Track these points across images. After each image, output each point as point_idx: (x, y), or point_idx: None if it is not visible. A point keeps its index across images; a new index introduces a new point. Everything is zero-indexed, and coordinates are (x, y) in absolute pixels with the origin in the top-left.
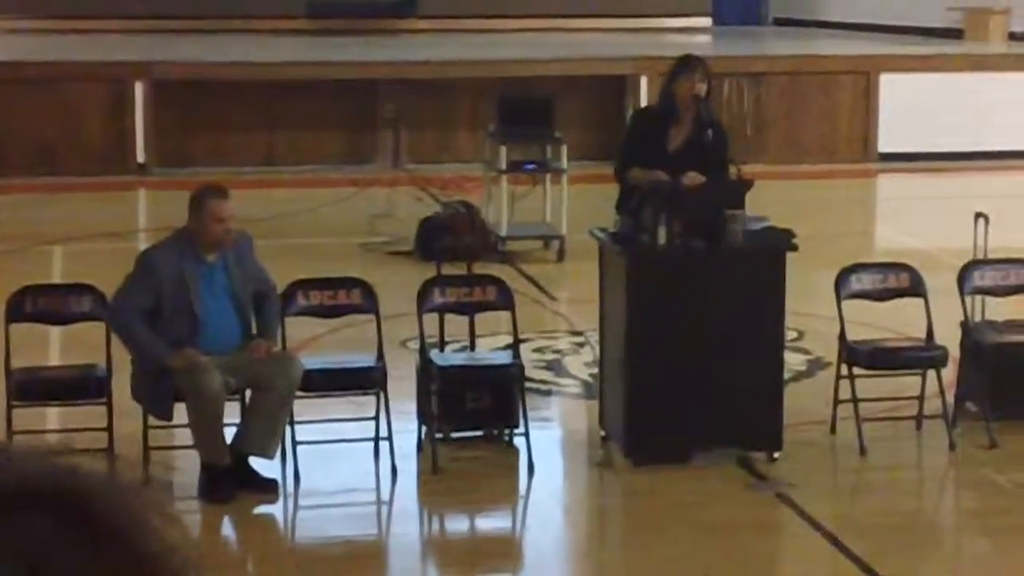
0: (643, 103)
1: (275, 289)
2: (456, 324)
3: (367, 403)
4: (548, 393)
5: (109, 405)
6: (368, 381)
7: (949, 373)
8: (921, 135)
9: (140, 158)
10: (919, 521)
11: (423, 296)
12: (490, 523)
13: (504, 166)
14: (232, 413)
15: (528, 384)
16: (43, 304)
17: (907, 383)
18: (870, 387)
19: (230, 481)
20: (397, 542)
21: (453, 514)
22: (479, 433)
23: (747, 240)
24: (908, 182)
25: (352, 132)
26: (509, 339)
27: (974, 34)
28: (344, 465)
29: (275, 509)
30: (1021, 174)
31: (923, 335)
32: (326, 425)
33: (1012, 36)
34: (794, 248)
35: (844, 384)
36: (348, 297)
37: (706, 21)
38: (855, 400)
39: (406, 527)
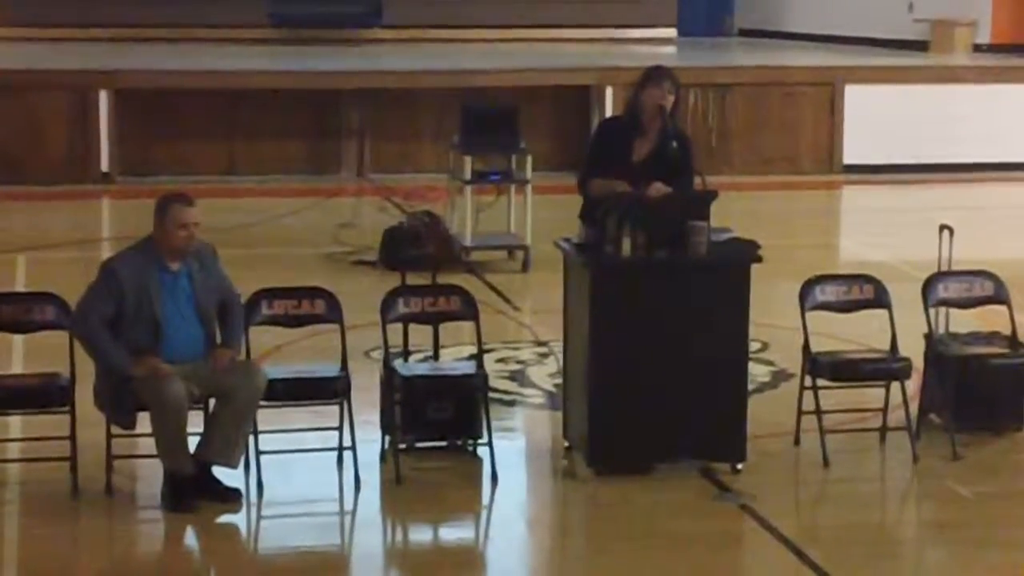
0: (608, 113)
1: (239, 298)
2: (420, 334)
3: (330, 413)
4: (512, 403)
5: (72, 414)
6: (331, 391)
7: (913, 385)
8: (886, 147)
9: (104, 167)
10: (882, 533)
11: (387, 306)
12: (453, 533)
13: (469, 176)
14: (195, 422)
15: (492, 394)
16: (6, 313)
17: (871, 395)
18: (834, 399)
19: (193, 490)
20: (360, 552)
21: (416, 524)
22: (442, 443)
23: (711, 251)
24: (872, 194)
25: (315, 142)
26: (473, 349)
27: (940, 46)
28: (307, 475)
29: (238, 519)
30: (985, 186)
31: (887, 347)
32: (289, 435)
33: (977, 48)
34: (759, 259)
35: (808, 395)
36: (312, 307)
37: (671, 32)
38: (819, 412)
39: (369, 537)
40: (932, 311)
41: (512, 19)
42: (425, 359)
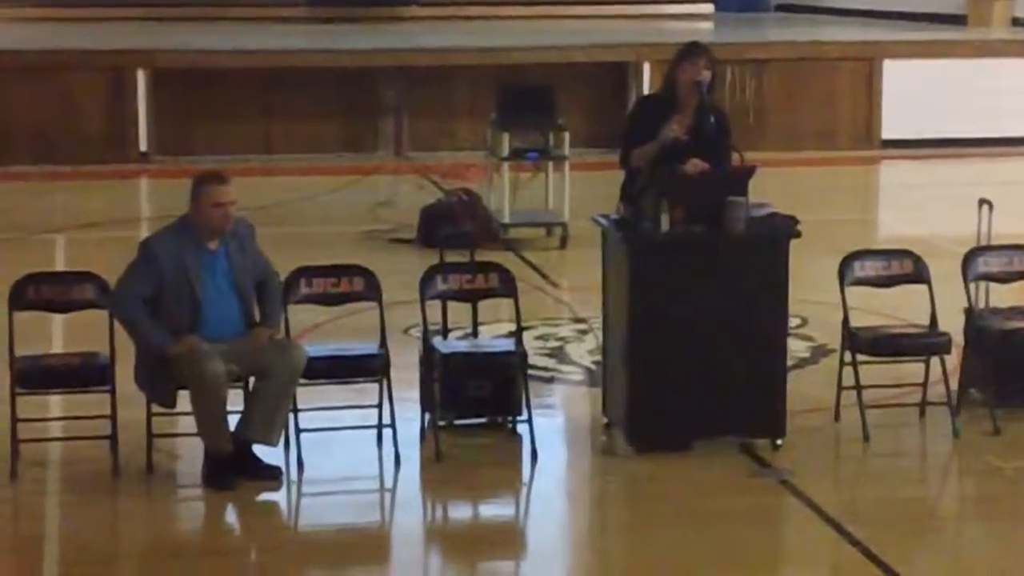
0: (645, 90)
1: (277, 276)
2: (459, 311)
3: (370, 391)
4: (551, 380)
5: (112, 393)
6: (371, 369)
7: (953, 360)
8: (924, 122)
9: (142, 146)
10: (922, 508)
11: (426, 283)
12: (493, 510)
13: (506, 154)
14: (235, 401)
15: (531, 371)
16: (46, 292)
17: (911, 370)
18: (874, 374)
19: (233, 469)
20: (400, 530)
21: (456, 502)
22: (482, 420)
23: (750, 227)
24: (911, 169)
25: (352, 120)
26: (512, 326)
27: (977, 20)
28: (347, 453)
29: (278, 496)
30: None
31: (927, 322)
32: (329, 413)
33: (1015, 22)
34: (797, 235)
35: (847, 371)
36: (351, 285)
37: (708, 8)
38: (858, 387)
39: (409, 515)
40: (972, 286)
41: None
42: (464, 336)
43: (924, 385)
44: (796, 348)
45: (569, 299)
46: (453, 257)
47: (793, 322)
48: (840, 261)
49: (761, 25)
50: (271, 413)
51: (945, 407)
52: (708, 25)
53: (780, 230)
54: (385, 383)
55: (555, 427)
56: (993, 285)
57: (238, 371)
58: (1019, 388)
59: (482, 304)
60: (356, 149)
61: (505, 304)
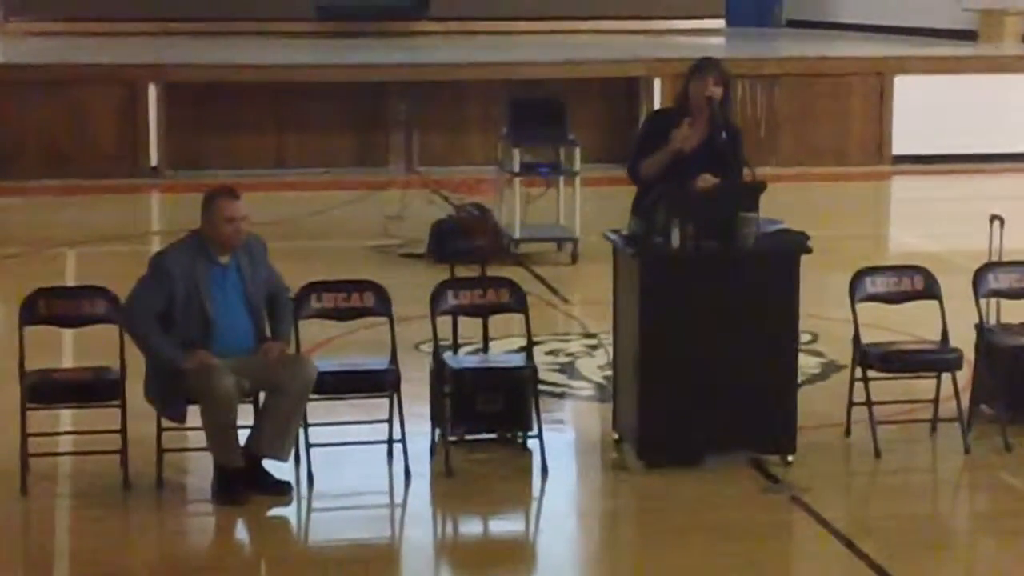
0: (656, 105)
1: (288, 292)
2: (469, 326)
3: (380, 406)
4: (561, 396)
5: (123, 407)
6: (381, 384)
7: (964, 376)
8: (935, 137)
9: (152, 161)
10: (933, 524)
11: (436, 298)
12: (503, 526)
13: (517, 168)
14: (246, 415)
15: (541, 387)
16: (57, 307)
17: (922, 386)
18: (885, 390)
19: (243, 483)
20: (410, 545)
21: (466, 517)
22: (492, 436)
23: (761, 242)
24: (922, 184)
25: (363, 135)
26: (522, 342)
27: (988, 35)
28: (357, 468)
29: (288, 511)
30: None
31: (938, 338)
32: (339, 428)
33: None
34: (808, 250)
35: (858, 387)
36: (361, 300)
37: (719, 23)
38: (869, 403)
39: (419, 530)
40: (983, 302)
41: (560, 10)
42: (475, 351)
43: (935, 401)
44: (807, 364)
45: (580, 314)
46: (464, 272)
47: (804, 338)
48: (851, 277)
49: (772, 40)
50: (282, 428)
51: (956, 423)
52: (720, 40)
53: (791, 246)
54: (396, 398)
55: (565, 442)
56: (1004, 301)
57: (249, 386)
58: None
59: (493, 319)
60: (367, 163)
61: (516, 319)
